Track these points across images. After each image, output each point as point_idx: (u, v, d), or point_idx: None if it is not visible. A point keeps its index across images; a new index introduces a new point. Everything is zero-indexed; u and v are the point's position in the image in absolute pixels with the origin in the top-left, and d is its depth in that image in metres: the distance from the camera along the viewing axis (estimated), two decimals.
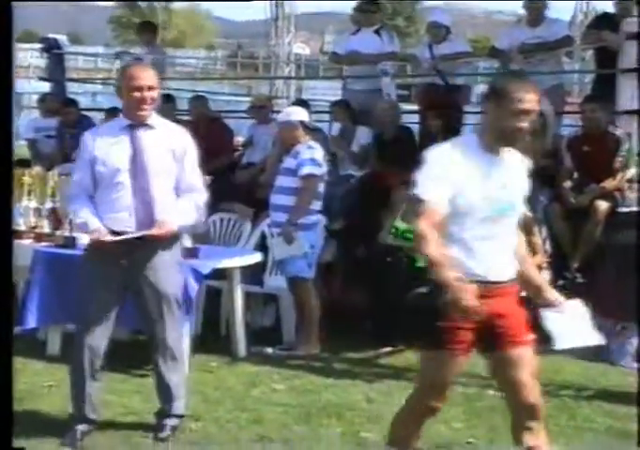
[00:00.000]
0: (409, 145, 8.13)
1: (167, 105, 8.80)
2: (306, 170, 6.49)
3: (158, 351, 4.76)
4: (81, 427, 4.66)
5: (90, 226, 4.51)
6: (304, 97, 21.59)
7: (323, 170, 6.64)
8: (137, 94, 4.47)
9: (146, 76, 4.52)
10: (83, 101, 16.60)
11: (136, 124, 4.55)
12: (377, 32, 9.00)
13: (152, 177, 4.52)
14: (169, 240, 4.65)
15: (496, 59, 8.98)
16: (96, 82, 17.99)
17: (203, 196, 4.74)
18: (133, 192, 4.51)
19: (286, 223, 6.48)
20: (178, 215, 4.61)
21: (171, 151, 4.58)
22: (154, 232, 4.52)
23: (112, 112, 9.21)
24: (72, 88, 11.94)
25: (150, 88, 4.50)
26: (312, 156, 6.54)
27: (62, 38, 11.80)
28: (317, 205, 6.64)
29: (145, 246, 4.57)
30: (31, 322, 6.24)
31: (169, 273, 4.71)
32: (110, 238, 4.49)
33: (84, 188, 4.58)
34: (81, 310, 4.67)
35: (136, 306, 4.75)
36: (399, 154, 7.86)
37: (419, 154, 3.89)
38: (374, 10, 9.11)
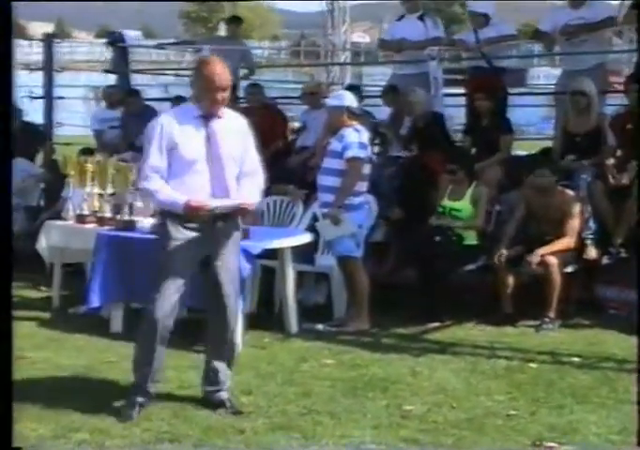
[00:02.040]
0: (440, 131, 8.00)
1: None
2: (351, 152, 6.41)
3: (216, 328, 4.76)
4: (139, 400, 4.66)
5: (179, 201, 4.48)
6: (363, 82, 21.51)
7: (367, 152, 6.55)
8: (217, 94, 4.50)
9: (227, 76, 4.56)
10: (156, 93, 16.74)
11: (208, 114, 4.57)
12: (421, 18, 8.87)
13: (226, 163, 4.57)
14: (236, 221, 4.71)
15: (540, 41, 8.76)
16: (165, 73, 18.04)
17: (262, 178, 4.77)
18: (211, 177, 4.54)
19: (332, 205, 6.41)
20: (249, 195, 4.64)
21: (237, 138, 4.64)
22: (246, 203, 4.59)
23: (177, 101, 9.26)
24: (144, 81, 11.97)
25: (225, 89, 4.54)
26: (357, 139, 6.46)
27: (136, 33, 11.88)
28: (363, 186, 6.56)
29: (222, 224, 4.62)
30: (95, 301, 6.32)
31: (236, 252, 4.80)
32: (207, 205, 4.48)
33: (159, 172, 4.55)
34: (154, 286, 4.63)
35: (202, 281, 4.72)
36: (432, 139, 7.77)
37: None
38: None
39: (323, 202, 6.60)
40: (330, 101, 6.72)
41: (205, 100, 4.55)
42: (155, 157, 4.53)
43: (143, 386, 4.71)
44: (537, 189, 6.88)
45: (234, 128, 4.66)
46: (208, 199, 4.54)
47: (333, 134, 6.58)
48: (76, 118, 13.55)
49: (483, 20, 8.68)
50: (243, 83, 10.25)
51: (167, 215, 4.60)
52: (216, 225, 4.61)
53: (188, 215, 4.52)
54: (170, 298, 4.60)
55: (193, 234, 4.58)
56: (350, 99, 6.59)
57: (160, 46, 10.86)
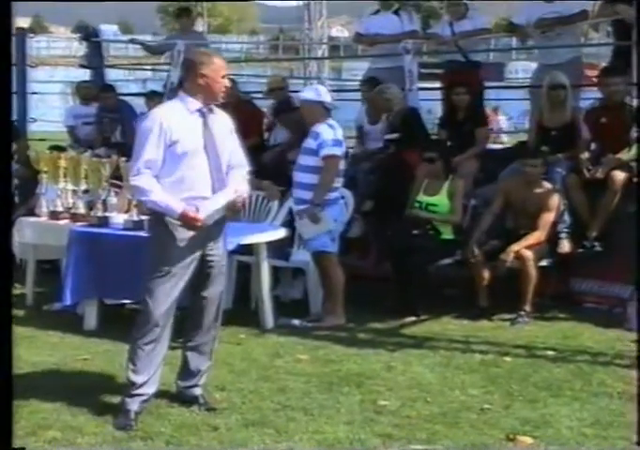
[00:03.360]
0: (416, 125, 8.00)
1: None
2: (327, 151, 6.41)
3: (201, 322, 4.74)
4: (134, 408, 4.55)
5: (176, 210, 4.45)
6: (343, 77, 21.49)
7: (343, 149, 6.55)
8: (224, 82, 4.57)
9: (225, 66, 4.63)
10: (134, 88, 16.64)
11: (205, 107, 4.57)
12: (396, 12, 8.87)
13: (221, 156, 4.58)
14: (225, 215, 4.71)
15: (514, 34, 8.78)
16: (143, 68, 17.98)
17: (247, 171, 4.79)
18: (210, 170, 4.54)
19: (308, 202, 6.41)
20: (240, 187, 4.68)
21: (227, 132, 4.67)
22: (242, 196, 4.62)
23: (151, 97, 9.22)
24: (121, 76, 11.89)
25: (223, 77, 4.61)
26: (332, 136, 6.46)
27: (113, 28, 11.80)
28: (339, 182, 6.57)
29: (217, 220, 4.62)
30: (69, 298, 6.27)
31: (224, 244, 4.80)
32: (202, 217, 4.48)
33: (152, 168, 4.50)
34: (152, 283, 4.57)
35: (193, 277, 4.66)
36: (409, 134, 7.78)
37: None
38: None
39: (298, 199, 6.60)
40: (305, 95, 6.68)
41: (213, 89, 4.55)
42: (151, 152, 4.47)
43: (139, 390, 4.60)
44: (524, 181, 6.87)
45: (223, 122, 4.69)
46: (209, 192, 4.53)
47: (308, 127, 6.55)
48: (54, 114, 13.46)
49: (463, 9, 8.70)
50: None
51: (164, 214, 4.54)
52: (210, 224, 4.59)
53: (183, 223, 4.48)
54: (168, 298, 4.55)
55: (191, 233, 4.53)
56: (325, 94, 6.58)
57: (131, 41, 10.72)
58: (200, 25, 60.87)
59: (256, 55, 37.59)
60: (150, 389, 4.63)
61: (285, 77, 9.99)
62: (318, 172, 6.44)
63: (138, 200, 4.71)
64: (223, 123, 4.69)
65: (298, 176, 6.55)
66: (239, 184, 4.67)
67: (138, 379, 4.58)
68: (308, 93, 6.67)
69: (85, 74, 11.32)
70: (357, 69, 23.58)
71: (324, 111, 6.49)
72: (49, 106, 16.87)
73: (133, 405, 4.54)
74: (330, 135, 6.44)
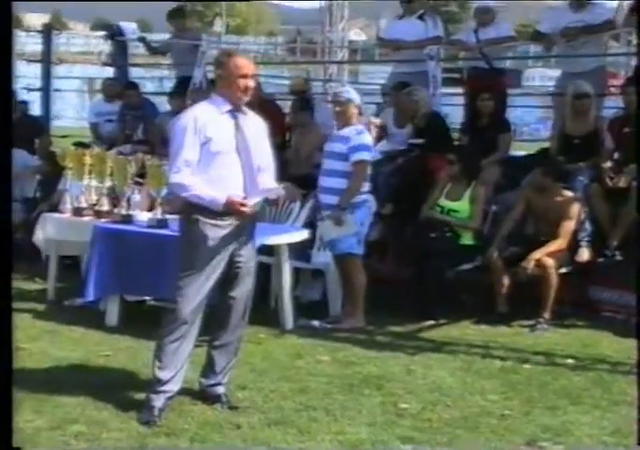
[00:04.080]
0: (441, 131, 8.04)
1: None
2: (359, 156, 6.46)
3: (228, 321, 4.77)
4: (158, 404, 4.59)
5: (221, 199, 4.51)
6: (360, 80, 21.51)
7: (372, 154, 6.62)
8: (242, 81, 4.58)
9: (250, 65, 4.65)
10: (151, 86, 16.70)
11: (235, 108, 4.62)
12: (421, 17, 8.89)
13: (253, 157, 4.63)
14: (256, 215, 4.78)
15: (539, 42, 8.79)
16: (161, 67, 18.07)
17: (274, 173, 4.87)
18: (243, 170, 4.60)
19: (337, 207, 6.45)
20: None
21: (259, 134, 4.73)
22: (282, 192, 4.78)
23: (174, 95, 9.26)
24: (140, 73, 11.96)
25: (252, 76, 4.63)
26: (363, 141, 6.51)
27: (132, 26, 11.82)
28: (366, 186, 6.59)
29: (247, 221, 4.68)
30: (91, 293, 6.32)
31: (253, 245, 4.85)
32: (247, 202, 4.54)
33: (191, 166, 4.56)
34: (182, 282, 4.60)
35: (221, 276, 4.69)
36: (434, 139, 7.80)
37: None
38: None
39: (325, 204, 6.59)
40: (350, 96, 6.62)
41: (231, 89, 4.59)
42: (189, 151, 4.53)
43: (164, 387, 4.63)
44: (535, 189, 6.91)
45: (256, 124, 4.74)
46: (241, 191, 4.58)
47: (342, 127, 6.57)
48: (70, 110, 13.56)
49: (490, 17, 8.71)
50: None
51: (198, 212, 4.57)
52: (243, 221, 4.64)
53: (230, 211, 4.53)
54: (197, 296, 4.59)
55: (223, 232, 4.58)
56: (357, 97, 6.62)
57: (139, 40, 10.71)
58: (219, 25, 61.22)
59: (274, 57, 37.62)
60: (175, 386, 4.66)
61: (307, 79, 10.01)
62: (347, 177, 6.46)
63: (174, 195, 4.76)
64: (256, 125, 4.74)
65: (326, 181, 6.57)
66: (270, 183, 4.75)
67: (164, 375, 4.61)
68: (352, 93, 6.64)
69: (104, 71, 11.39)
70: (373, 72, 23.63)
71: (358, 114, 6.53)
72: (67, 103, 16.97)
73: (158, 402, 4.57)
74: (361, 140, 6.50)
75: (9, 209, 3.35)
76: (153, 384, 4.65)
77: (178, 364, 4.64)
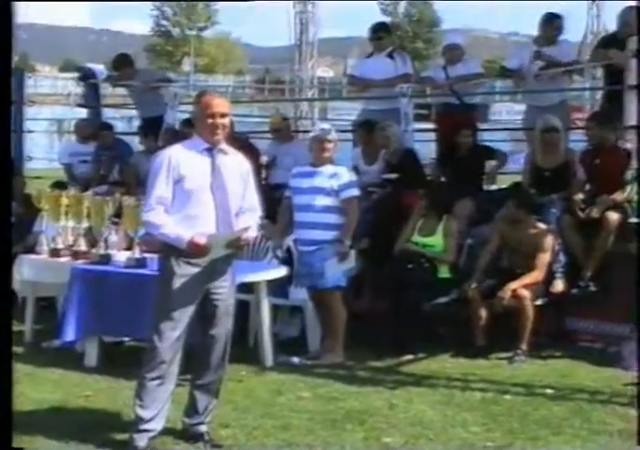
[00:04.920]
0: (414, 167, 8.14)
1: (188, 129, 8.88)
2: (350, 192, 6.61)
3: (208, 361, 4.77)
4: (142, 443, 4.59)
5: (184, 238, 4.54)
6: (329, 117, 21.69)
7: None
8: (210, 120, 4.62)
9: (219, 104, 4.67)
10: (120, 126, 16.73)
11: (212, 147, 4.66)
12: (390, 55, 9.01)
13: (230, 196, 4.66)
14: (233, 254, 4.79)
15: (508, 78, 8.95)
16: (129, 107, 18.14)
17: (259, 215, 4.90)
18: (216, 209, 4.63)
19: (338, 243, 6.54)
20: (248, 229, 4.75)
21: (240, 175, 4.76)
22: (249, 233, 4.70)
23: (145, 136, 9.29)
24: (110, 114, 11.99)
25: (222, 115, 4.65)
26: (352, 178, 6.68)
27: (100, 67, 11.85)
28: None
29: (221, 258, 4.68)
30: (70, 335, 6.30)
31: (232, 284, 4.85)
32: (207, 242, 4.53)
33: (163, 203, 4.61)
34: (157, 319, 4.64)
35: (195, 313, 4.70)
36: (407, 175, 7.90)
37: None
38: (384, 36, 9.14)
39: (309, 240, 6.62)
40: (333, 133, 6.73)
41: (205, 128, 4.64)
42: (161, 189, 4.59)
43: (146, 425, 4.63)
44: (508, 222, 7.00)
45: (237, 164, 4.77)
46: (213, 230, 4.60)
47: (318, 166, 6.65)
48: (40, 151, 13.54)
49: (458, 54, 8.85)
50: None
51: (170, 250, 4.62)
52: (216, 260, 4.65)
53: (190, 251, 4.55)
54: (173, 334, 4.60)
55: (195, 270, 4.61)
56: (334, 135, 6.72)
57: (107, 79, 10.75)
58: (187, 65, 61.52)
59: (242, 95, 37.81)
60: (158, 425, 4.66)
61: (285, 116, 10.10)
62: (332, 212, 6.55)
63: (150, 234, 4.78)
64: (236, 165, 4.77)
65: (305, 216, 6.62)
66: (248, 224, 4.73)
67: (145, 414, 4.61)
68: (331, 131, 6.75)
69: (73, 112, 11.39)
70: (342, 109, 23.83)
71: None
72: (35, 144, 16.94)
73: (141, 441, 4.57)
74: (351, 177, 6.68)
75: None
76: (135, 424, 4.65)
77: (160, 403, 4.64)
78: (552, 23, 8.47)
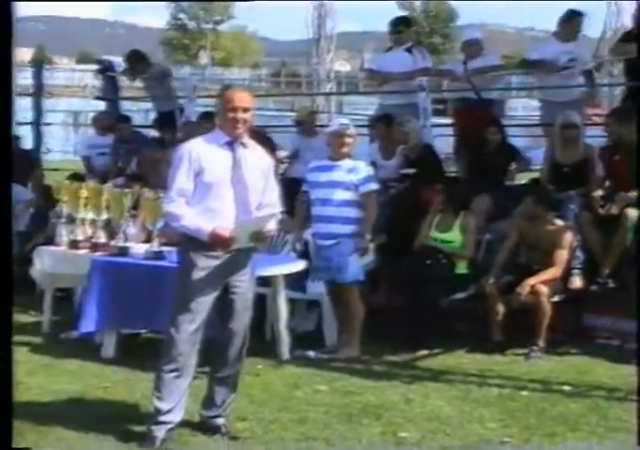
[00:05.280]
0: (433, 162, 8.13)
1: (206, 122, 8.90)
2: (370, 186, 6.61)
3: (227, 354, 4.78)
4: (160, 435, 4.61)
5: (205, 230, 4.55)
6: (345, 111, 21.69)
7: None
8: (232, 114, 4.62)
9: (242, 98, 4.66)
10: (137, 119, 16.80)
11: (233, 141, 4.66)
12: (409, 50, 8.98)
13: (250, 190, 4.67)
14: (253, 248, 4.80)
15: (529, 70, 8.85)
16: (147, 99, 18.20)
17: (279, 210, 4.89)
18: (236, 203, 4.63)
19: (358, 238, 6.55)
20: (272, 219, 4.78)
21: (261, 169, 4.76)
22: (270, 226, 4.73)
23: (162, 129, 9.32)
24: (127, 106, 12.03)
25: (245, 110, 4.64)
26: (371, 172, 6.69)
27: (116, 60, 11.89)
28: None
29: (241, 251, 4.69)
30: (88, 326, 6.33)
31: (252, 278, 4.85)
32: (231, 232, 4.54)
33: (185, 195, 4.62)
34: (176, 312, 4.64)
35: (215, 307, 4.71)
36: (425, 170, 7.88)
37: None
38: (404, 30, 9.09)
39: (328, 234, 6.61)
40: (352, 128, 6.74)
41: (227, 122, 4.64)
42: (182, 181, 4.60)
43: (164, 417, 4.64)
44: (527, 218, 6.99)
45: (258, 159, 4.77)
46: (232, 224, 4.60)
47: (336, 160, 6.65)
48: (56, 144, 13.63)
49: (478, 48, 8.81)
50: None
51: (190, 242, 4.63)
52: (236, 252, 4.66)
53: (213, 243, 4.56)
54: (191, 327, 4.61)
55: (215, 262, 4.62)
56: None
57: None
58: (204, 58, 61.57)
59: (258, 89, 37.88)
60: (176, 417, 4.67)
61: (313, 109, 10.10)
62: (350, 206, 6.55)
63: (169, 226, 4.78)
64: (258, 160, 4.77)
65: (324, 210, 6.61)
66: (269, 219, 4.74)
67: (163, 406, 4.63)
68: (350, 126, 6.74)
69: (89, 104, 11.45)
70: (358, 104, 23.80)
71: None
72: (51, 136, 17.03)
73: (159, 433, 4.59)
74: (370, 171, 6.68)
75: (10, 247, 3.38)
76: (154, 416, 4.66)
77: (177, 395, 4.66)
78: (573, 21, 8.44)
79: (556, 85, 8.48)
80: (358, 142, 8.17)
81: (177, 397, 4.67)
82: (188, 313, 4.62)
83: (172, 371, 4.65)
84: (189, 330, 4.62)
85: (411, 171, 7.92)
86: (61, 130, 18.56)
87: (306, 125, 8.91)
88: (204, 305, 4.65)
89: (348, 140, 6.60)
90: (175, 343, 4.62)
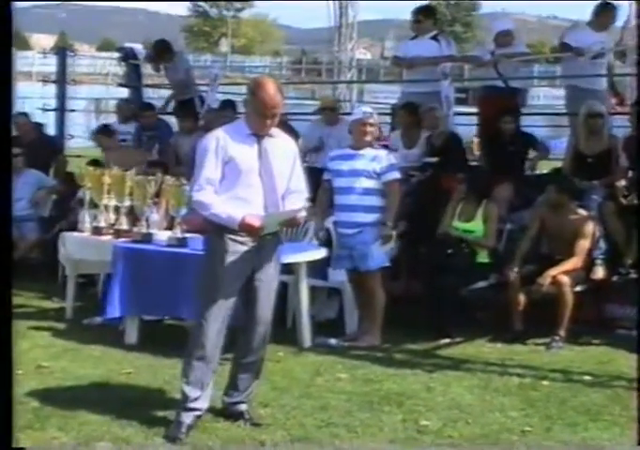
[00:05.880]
0: (458, 151, 8.11)
1: (227, 110, 8.92)
2: (393, 175, 6.60)
3: (251, 341, 4.80)
4: (187, 421, 4.62)
5: (236, 217, 4.55)
6: (365, 100, 21.67)
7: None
8: (262, 118, 4.58)
9: (278, 98, 4.59)
10: (158, 106, 16.84)
11: (259, 133, 4.66)
12: (435, 38, 8.94)
13: (277, 179, 4.66)
14: (280, 235, 4.85)
15: (564, 55, 8.74)
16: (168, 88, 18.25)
17: (306, 196, 4.88)
18: (264, 192, 4.63)
19: (382, 226, 6.55)
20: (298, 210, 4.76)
21: (287, 157, 4.75)
22: (299, 214, 4.71)
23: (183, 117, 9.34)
24: (148, 94, 12.06)
25: (278, 109, 4.61)
26: (393, 161, 6.69)
27: (138, 47, 11.91)
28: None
29: (269, 238, 4.71)
30: (112, 312, 6.37)
31: (276, 265, 4.85)
32: (260, 221, 4.55)
33: (213, 184, 4.62)
34: (204, 298, 4.66)
35: (243, 295, 4.74)
36: (449, 159, 7.86)
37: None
38: (422, 19, 9.01)
39: (351, 222, 6.60)
40: (375, 116, 6.74)
41: (255, 120, 4.62)
42: (210, 170, 4.60)
43: (191, 405, 4.66)
44: (550, 207, 6.96)
45: (283, 147, 4.76)
46: (262, 212, 4.61)
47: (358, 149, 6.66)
48: (77, 130, 13.70)
49: (509, 39, 8.75)
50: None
51: (218, 228, 4.65)
52: (263, 239, 4.68)
53: (243, 231, 4.58)
54: (220, 313, 4.62)
55: (244, 248, 4.64)
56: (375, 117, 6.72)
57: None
58: (224, 46, 61.61)
59: (279, 76, 37.86)
60: (204, 404, 4.70)
61: (338, 97, 10.07)
62: (373, 194, 6.55)
63: (194, 213, 4.78)
64: (284, 148, 4.75)
65: (346, 199, 6.61)
66: (297, 206, 4.73)
67: (192, 393, 4.65)
68: (373, 114, 6.72)
69: (110, 91, 11.50)
70: (379, 92, 23.74)
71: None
72: (73, 123, 17.12)
73: (187, 419, 4.61)
74: (392, 160, 6.68)
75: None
76: (182, 402, 4.68)
77: (205, 381, 4.68)
78: (607, 13, 8.38)
79: (581, 74, 8.41)
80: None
81: (205, 385, 4.70)
82: (216, 300, 4.62)
83: (200, 359, 4.65)
84: (217, 316, 4.63)
85: (434, 159, 7.90)
86: (82, 117, 18.65)
87: (330, 113, 8.87)
88: (232, 291, 4.65)
89: (370, 128, 6.60)
90: (204, 330, 4.63)
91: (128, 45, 12.81)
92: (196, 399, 4.66)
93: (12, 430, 3.44)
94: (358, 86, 22.00)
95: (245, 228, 4.56)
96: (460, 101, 11.08)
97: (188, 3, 66.76)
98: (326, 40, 22.33)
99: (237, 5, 67.59)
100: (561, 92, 9.72)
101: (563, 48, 8.68)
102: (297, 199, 4.76)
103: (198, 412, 4.67)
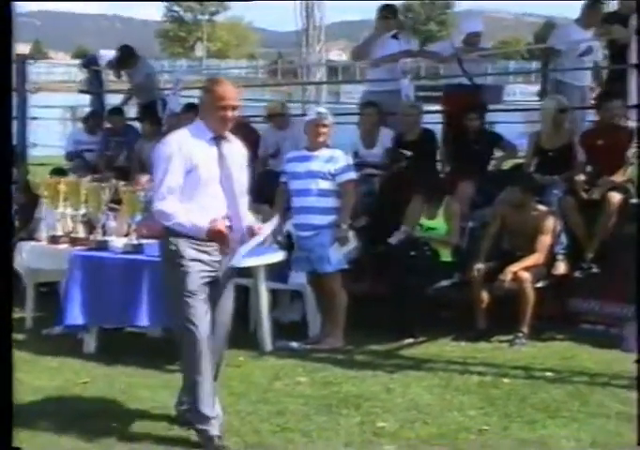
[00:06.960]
0: (431, 147, 8.07)
1: (190, 113, 8.85)
2: (349, 175, 6.57)
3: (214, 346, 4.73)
4: (215, 432, 4.55)
5: (202, 226, 4.49)
6: (341, 100, 21.60)
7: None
8: (222, 112, 4.55)
9: (232, 96, 4.59)
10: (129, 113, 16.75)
11: (219, 137, 4.62)
12: (395, 36, 8.90)
13: (235, 185, 4.64)
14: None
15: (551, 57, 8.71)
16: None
17: (247, 199, 4.85)
18: (226, 199, 4.61)
19: (337, 227, 6.51)
20: (249, 217, 4.76)
21: (241, 163, 4.73)
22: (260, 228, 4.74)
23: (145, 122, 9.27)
24: (112, 100, 11.97)
25: (234, 108, 4.59)
26: (349, 162, 6.65)
27: (111, 53, 11.77)
28: None
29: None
30: (69, 321, 6.29)
31: (233, 271, 4.81)
32: (229, 232, 4.52)
33: (175, 193, 4.54)
34: (184, 310, 4.54)
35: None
36: (421, 155, 7.82)
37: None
38: (390, 17, 9.01)
39: (307, 225, 6.56)
40: (329, 116, 6.69)
41: (216, 120, 4.57)
42: (172, 177, 4.51)
43: (212, 420, 4.60)
44: (511, 205, 6.94)
45: (238, 152, 4.73)
46: (224, 219, 4.56)
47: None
48: (53, 138, 13.60)
49: (477, 40, 8.76)
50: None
51: (177, 236, 4.56)
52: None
53: (213, 239, 4.51)
54: (204, 317, 4.55)
55: (203, 256, 4.57)
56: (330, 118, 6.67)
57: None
58: (200, 50, 61.49)
59: (255, 79, 37.84)
60: (219, 410, 4.68)
61: (284, 102, 9.99)
62: (329, 196, 6.52)
63: (164, 224, 4.68)
64: (238, 152, 4.73)
65: (303, 201, 6.57)
66: (248, 214, 4.74)
67: (206, 410, 4.57)
68: (327, 115, 6.68)
69: (83, 99, 11.43)
70: (355, 92, 23.69)
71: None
72: (49, 131, 17.01)
73: (214, 430, 4.56)
74: (348, 160, 6.65)
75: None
76: (201, 421, 4.58)
77: (212, 389, 4.63)
78: (596, 10, 8.37)
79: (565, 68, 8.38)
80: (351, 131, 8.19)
81: (214, 391, 4.65)
82: (196, 305, 4.53)
83: (201, 372, 4.56)
84: (205, 321, 4.55)
85: (408, 153, 7.81)
86: (59, 125, 18.55)
87: (279, 119, 8.79)
88: (204, 292, 4.56)
89: (324, 129, 6.55)
90: (196, 338, 4.52)
91: (99, 51, 12.75)
92: (212, 413, 4.59)
93: (12, 430, 3.39)
94: (334, 87, 21.95)
95: (214, 235, 4.50)
96: (434, 100, 11.01)
97: (162, 8, 66.80)
98: (298, 43, 22.27)
99: (212, 8, 67.56)
100: (538, 88, 9.67)
101: (552, 52, 8.62)
102: (244, 203, 4.72)
103: (219, 420, 4.63)
